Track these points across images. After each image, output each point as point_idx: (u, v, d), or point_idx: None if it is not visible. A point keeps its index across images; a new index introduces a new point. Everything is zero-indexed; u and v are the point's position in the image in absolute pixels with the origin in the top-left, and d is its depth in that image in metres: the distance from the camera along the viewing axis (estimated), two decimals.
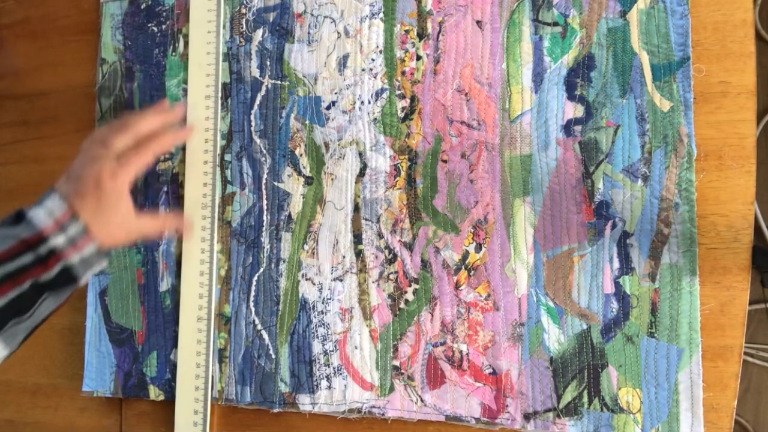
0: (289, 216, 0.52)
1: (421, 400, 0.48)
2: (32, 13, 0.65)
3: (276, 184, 0.53)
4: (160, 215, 0.53)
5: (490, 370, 0.47)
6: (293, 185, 0.53)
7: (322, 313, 0.51)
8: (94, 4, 0.62)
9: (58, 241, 0.43)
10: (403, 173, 0.50)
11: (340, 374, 0.50)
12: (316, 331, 0.51)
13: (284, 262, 0.52)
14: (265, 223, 0.53)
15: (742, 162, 0.44)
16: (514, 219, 0.47)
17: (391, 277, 0.50)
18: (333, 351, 0.51)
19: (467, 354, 0.48)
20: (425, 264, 0.49)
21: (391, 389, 0.49)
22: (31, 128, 0.64)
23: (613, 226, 0.45)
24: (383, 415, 0.49)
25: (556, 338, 0.46)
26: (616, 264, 0.45)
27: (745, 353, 0.92)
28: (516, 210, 0.47)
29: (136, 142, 0.47)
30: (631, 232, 0.45)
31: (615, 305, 0.45)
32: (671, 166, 0.44)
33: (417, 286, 0.49)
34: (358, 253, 0.51)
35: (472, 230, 0.48)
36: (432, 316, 0.48)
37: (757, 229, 0.90)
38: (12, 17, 0.66)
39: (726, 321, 0.44)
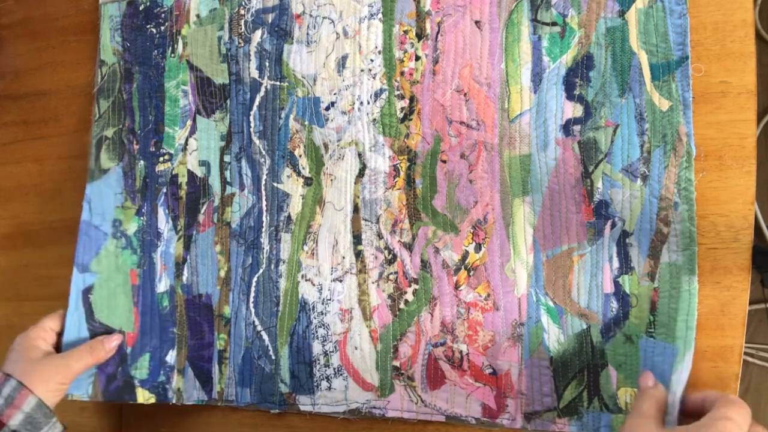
0: (289, 217, 0.52)
1: (421, 401, 0.48)
2: (32, 13, 0.65)
3: (275, 185, 0.53)
4: (85, 346, 0.53)
5: (491, 370, 0.47)
6: (293, 186, 0.53)
7: (322, 314, 0.51)
8: (94, 3, 0.62)
9: None
10: (402, 173, 0.50)
11: (341, 375, 0.50)
12: (316, 331, 0.51)
13: (284, 263, 0.52)
14: (264, 224, 0.53)
15: (742, 162, 0.44)
16: (513, 219, 0.47)
17: (391, 277, 0.50)
18: (333, 352, 0.51)
19: (467, 354, 0.48)
20: (425, 264, 0.49)
21: (392, 389, 0.49)
22: (31, 128, 0.64)
23: (613, 225, 0.45)
24: (383, 415, 0.49)
25: (556, 338, 0.46)
26: (616, 263, 0.45)
27: (745, 353, 0.92)
28: (515, 210, 0.47)
29: None
30: (630, 232, 0.45)
31: (615, 305, 0.45)
32: (670, 165, 0.44)
33: (417, 287, 0.49)
34: (358, 254, 0.51)
35: (472, 230, 0.48)
36: (432, 316, 0.48)
37: (757, 229, 0.90)
38: (12, 17, 0.66)
39: (726, 321, 0.44)
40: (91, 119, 0.60)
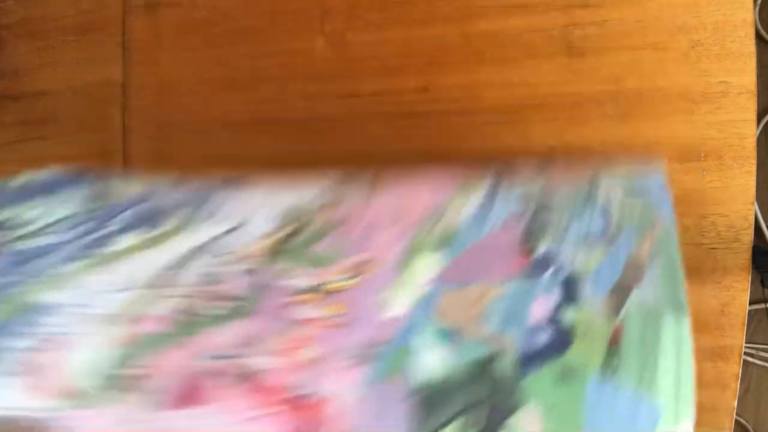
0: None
1: (154, 419, 0.32)
2: (32, 13, 0.65)
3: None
4: None
5: (300, 392, 0.31)
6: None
7: (53, 314, 0.35)
8: (94, 4, 0.61)
9: None
10: None
11: (27, 373, 0.33)
12: (24, 328, 0.34)
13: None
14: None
15: (742, 162, 0.44)
16: (413, 263, 0.32)
17: (198, 295, 0.34)
18: (34, 349, 0.34)
19: (267, 369, 0.32)
20: (260, 287, 0.34)
21: (104, 400, 0.33)
22: (31, 128, 0.64)
23: (558, 270, 0.30)
24: (74, 429, 0.33)
25: (434, 362, 0.31)
26: (557, 295, 0.29)
27: (745, 353, 0.92)
28: (419, 258, 0.33)
29: None
30: (585, 273, 0.29)
31: (545, 334, 0.30)
32: (646, 236, 0.31)
33: (232, 304, 0.33)
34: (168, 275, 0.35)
35: (351, 266, 0.33)
36: (235, 330, 0.33)
37: (757, 229, 0.90)
38: (12, 17, 0.66)
39: (726, 321, 0.44)
40: (92, 118, 0.59)
